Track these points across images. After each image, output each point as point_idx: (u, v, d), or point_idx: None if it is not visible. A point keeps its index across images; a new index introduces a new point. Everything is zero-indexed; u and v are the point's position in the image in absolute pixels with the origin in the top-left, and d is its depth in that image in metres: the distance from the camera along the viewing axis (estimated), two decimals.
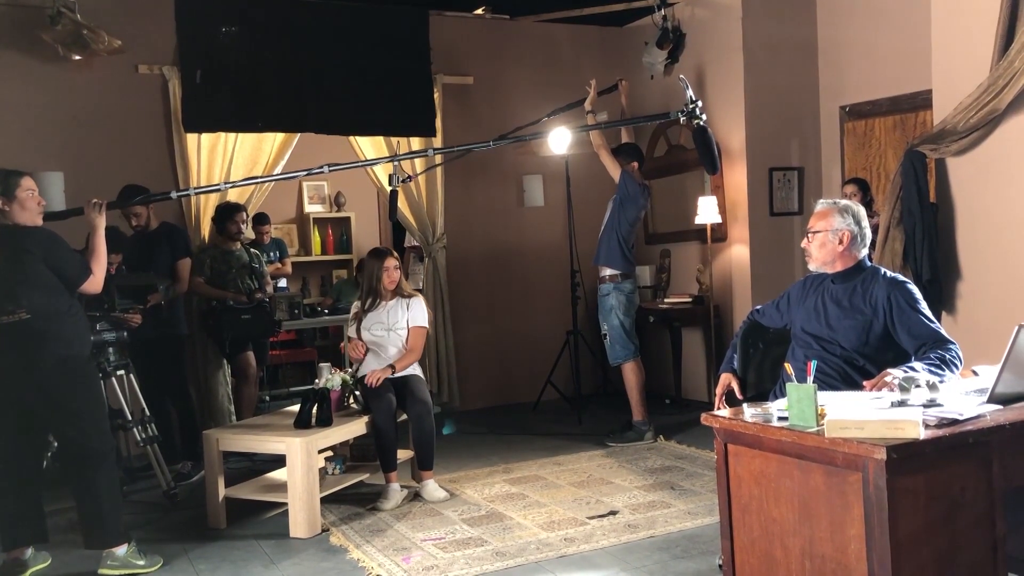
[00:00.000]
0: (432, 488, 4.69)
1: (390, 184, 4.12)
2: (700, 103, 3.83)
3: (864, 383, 2.92)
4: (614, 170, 5.78)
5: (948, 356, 2.91)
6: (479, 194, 7.07)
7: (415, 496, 4.71)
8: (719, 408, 3.18)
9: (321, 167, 3.95)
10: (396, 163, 4.20)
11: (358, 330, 4.91)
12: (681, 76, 4.10)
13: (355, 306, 5.01)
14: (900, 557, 2.24)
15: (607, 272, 5.84)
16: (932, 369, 2.83)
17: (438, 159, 6.34)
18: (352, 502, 4.68)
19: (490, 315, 7.08)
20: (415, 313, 4.90)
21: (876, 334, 3.06)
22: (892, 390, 2.79)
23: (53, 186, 5.35)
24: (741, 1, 6.28)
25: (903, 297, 3.04)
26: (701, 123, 3.81)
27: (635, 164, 5.89)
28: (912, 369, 2.84)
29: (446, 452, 5.53)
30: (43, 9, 5.33)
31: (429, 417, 4.72)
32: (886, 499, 2.22)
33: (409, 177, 4.36)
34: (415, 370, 4.91)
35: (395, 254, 4.99)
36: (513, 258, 7.23)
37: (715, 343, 6.55)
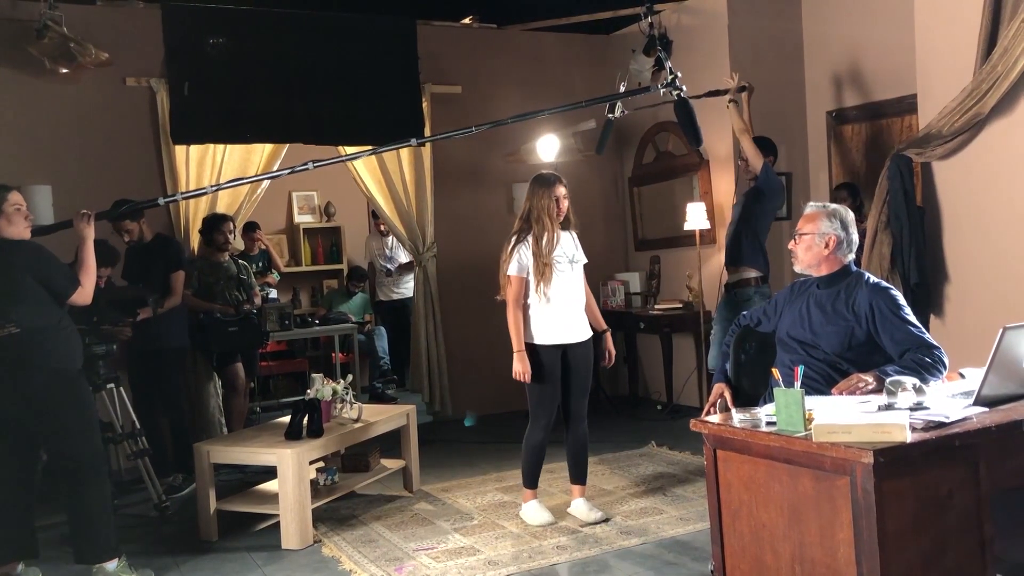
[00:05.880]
0: (587, 507, 4.30)
1: (608, 112, 3.97)
2: (680, 75, 3.83)
3: (832, 389, 2.93)
4: (757, 160, 5.20)
5: (928, 360, 2.92)
6: (469, 202, 7.08)
7: (405, 505, 4.70)
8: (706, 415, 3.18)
9: (305, 164, 3.98)
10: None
11: (541, 270, 4.14)
12: (659, 49, 4.05)
13: (521, 249, 4.19)
14: (888, 560, 2.25)
15: (751, 274, 5.22)
16: (907, 374, 2.82)
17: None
18: (344, 512, 4.67)
19: (481, 323, 7.06)
20: (579, 249, 4.34)
21: (859, 340, 3.08)
22: (860, 393, 2.81)
23: (41, 200, 5.34)
24: (727, 8, 6.31)
25: (886, 304, 3.06)
26: (681, 95, 3.82)
27: (772, 158, 5.39)
28: (885, 373, 2.85)
29: (438, 461, 5.54)
30: (30, 22, 5.31)
31: (584, 424, 4.35)
32: (874, 502, 2.23)
33: (622, 111, 4.04)
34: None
35: (564, 180, 4.37)
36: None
37: (706, 349, 6.55)
